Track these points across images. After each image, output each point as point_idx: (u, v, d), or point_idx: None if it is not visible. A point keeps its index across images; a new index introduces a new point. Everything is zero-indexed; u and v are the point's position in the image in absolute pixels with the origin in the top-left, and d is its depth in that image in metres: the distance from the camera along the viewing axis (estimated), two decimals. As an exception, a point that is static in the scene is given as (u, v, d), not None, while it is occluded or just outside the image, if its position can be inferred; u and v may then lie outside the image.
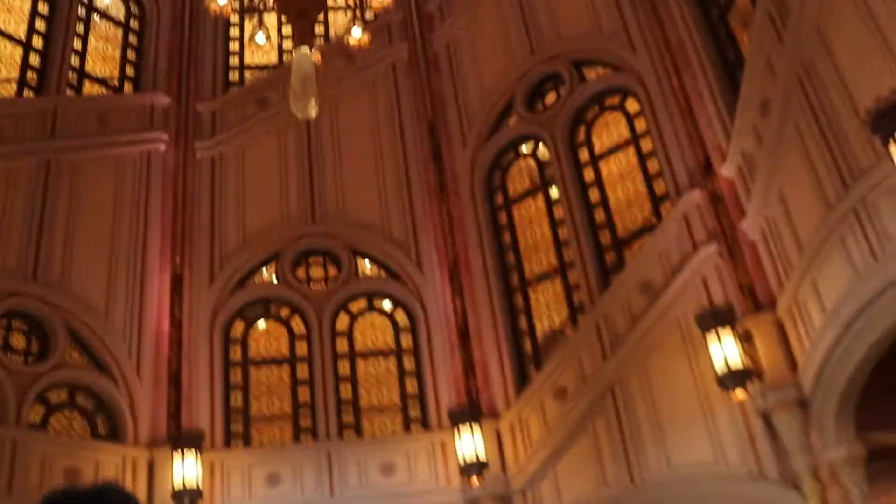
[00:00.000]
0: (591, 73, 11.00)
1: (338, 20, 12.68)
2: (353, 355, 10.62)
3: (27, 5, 11.84)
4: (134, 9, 12.96)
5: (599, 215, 10.31)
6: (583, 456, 9.10)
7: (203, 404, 9.95)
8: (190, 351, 10.22)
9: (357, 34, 8.11)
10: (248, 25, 12.07)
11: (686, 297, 8.84)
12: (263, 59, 12.90)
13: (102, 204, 10.73)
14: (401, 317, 10.87)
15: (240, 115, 12.04)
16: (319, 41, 11.97)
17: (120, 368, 9.83)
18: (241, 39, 13.04)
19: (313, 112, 6.92)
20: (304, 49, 7.14)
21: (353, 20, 8.23)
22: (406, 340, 10.73)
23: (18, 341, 9.62)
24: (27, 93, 11.20)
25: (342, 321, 10.79)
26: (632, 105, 10.49)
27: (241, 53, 13.02)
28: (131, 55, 12.57)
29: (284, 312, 10.86)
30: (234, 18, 12.75)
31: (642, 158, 10.21)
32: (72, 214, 10.44)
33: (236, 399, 10.29)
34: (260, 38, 8.08)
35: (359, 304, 10.91)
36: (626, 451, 8.80)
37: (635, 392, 8.93)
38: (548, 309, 10.44)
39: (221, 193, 11.39)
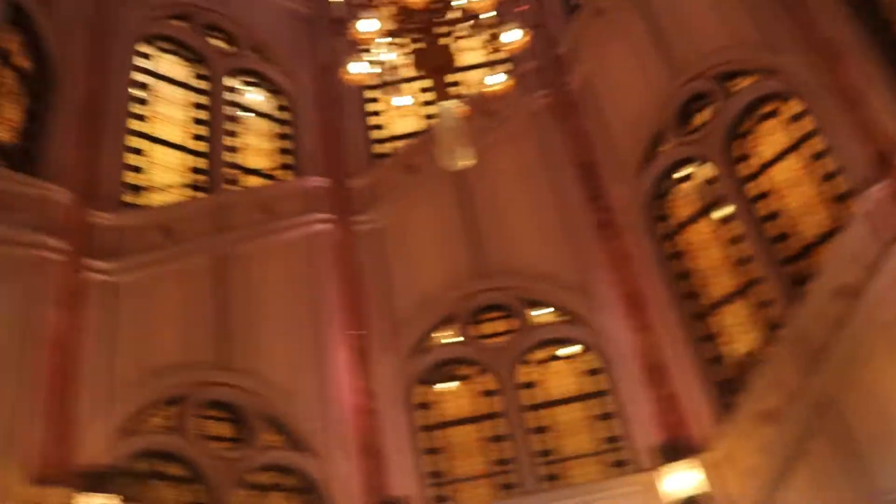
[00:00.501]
0: (739, 85, 10.81)
1: (475, 78, 13.03)
2: (543, 405, 10.62)
3: (182, 114, 12.72)
4: (280, 101, 13.79)
5: (776, 226, 10.04)
6: (807, 481, 8.71)
7: (401, 472, 10.16)
8: (381, 420, 10.51)
9: (496, 80, 8.32)
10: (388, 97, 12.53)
11: (891, 297, 8.41)
12: (408, 128, 13.36)
13: (277, 288, 11.24)
14: (585, 360, 10.86)
15: (392, 184, 12.48)
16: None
17: (317, 445, 10.17)
18: (373, 110, 13.70)
19: (464, 163, 7.12)
20: (448, 103, 7.41)
21: (491, 69, 8.51)
22: (595, 383, 10.70)
23: (219, 429, 10.10)
24: (196, 194, 11.93)
25: (527, 372, 10.86)
26: (791, 108, 10.24)
27: (377, 125, 13.69)
28: (284, 144, 13.37)
29: (468, 371, 11.02)
30: (374, 93, 13.30)
31: (812, 161, 9.91)
32: (251, 302, 10.96)
33: (434, 463, 10.43)
34: (399, 100, 8.38)
35: (541, 353, 10.95)
36: (855, 472, 8.36)
37: (853, 404, 8.53)
38: (738, 331, 10.15)
39: (388, 262, 11.79)
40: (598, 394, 10.61)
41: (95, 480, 8.14)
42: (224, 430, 10.17)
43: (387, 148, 13.39)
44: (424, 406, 10.87)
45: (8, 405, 8.34)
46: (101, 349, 9.56)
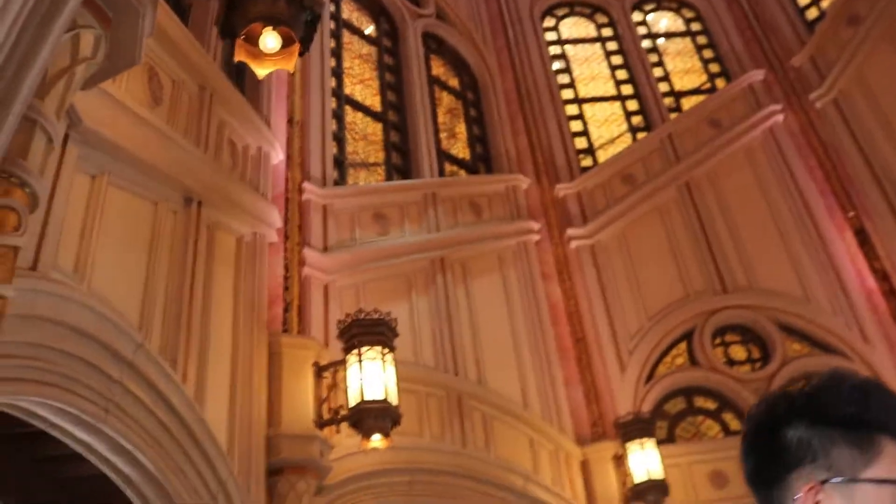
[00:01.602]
0: None
1: None
2: None
3: (602, 67, 12.94)
4: (687, 14, 13.40)
5: None
6: None
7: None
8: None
9: None
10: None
11: None
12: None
13: (751, 196, 10.88)
14: None
15: (840, 44, 11.23)
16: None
17: (845, 343, 9.50)
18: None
19: None
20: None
21: None
22: None
23: (738, 353, 9.93)
24: (641, 136, 11.97)
25: None
26: None
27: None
28: (707, 54, 12.97)
29: None
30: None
31: None
32: (728, 219, 10.69)
33: None
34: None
35: None
36: None
37: None
38: None
39: (858, 130, 10.64)
40: None
41: (632, 430, 8.49)
42: (742, 352, 9.98)
43: (817, 11, 12.13)
44: (956, 269, 9.53)
45: (538, 378, 9.09)
46: (602, 308, 9.99)
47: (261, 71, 3.70)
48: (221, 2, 3.73)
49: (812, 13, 12.20)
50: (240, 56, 3.69)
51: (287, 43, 3.66)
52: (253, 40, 3.65)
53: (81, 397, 4.39)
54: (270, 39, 3.61)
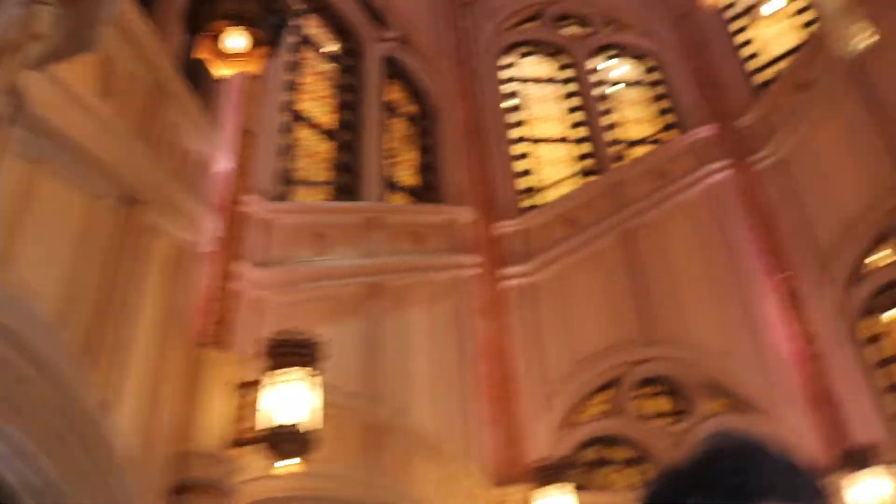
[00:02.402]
0: None
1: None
2: None
3: (556, 108, 13.06)
4: (647, 63, 13.69)
5: None
6: None
7: (861, 417, 9.16)
8: (828, 364, 9.67)
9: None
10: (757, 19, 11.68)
11: None
12: (787, 45, 12.34)
13: (688, 250, 10.93)
14: None
15: (785, 109, 11.41)
16: None
17: (763, 403, 9.62)
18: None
19: (864, 43, 6.36)
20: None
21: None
22: None
23: (658, 405, 10.01)
24: (587, 180, 12.12)
25: None
26: None
27: (752, 54, 12.79)
28: (662, 104, 13.22)
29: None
30: (741, 21, 12.55)
31: None
32: (666, 270, 10.74)
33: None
34: (769, 6, 7.72)
35: None
36: None
37: None
38: None
39: (798, 193, 10.85)
40: None
41: (548, 474, 8.42)
42: (663, 405, 10.04)
43: (770, 74, 12.37)
44: (874, 340, 9.70)
45: (460, 415, 9.00)
46: (530, 350, 9.99)
47: (222, 71, 3.58)
48: (189, -4, 3.61)
49: (763, 76, 12.42)
50: (201, 53, 3.57)
51: (253, 45, 3.55)
52: (217, 39, 3.54)
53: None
54: (238, 39, 3.50)
